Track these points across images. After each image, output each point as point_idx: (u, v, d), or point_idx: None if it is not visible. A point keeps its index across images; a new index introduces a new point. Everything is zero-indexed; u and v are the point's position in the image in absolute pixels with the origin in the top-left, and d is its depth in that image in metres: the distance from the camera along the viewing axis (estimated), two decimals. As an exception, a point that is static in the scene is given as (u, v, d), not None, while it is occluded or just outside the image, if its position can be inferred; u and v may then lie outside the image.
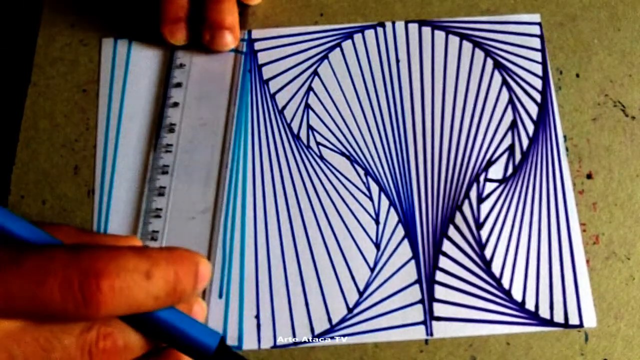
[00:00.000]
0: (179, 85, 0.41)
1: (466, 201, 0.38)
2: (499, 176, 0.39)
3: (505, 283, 0.37)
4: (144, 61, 0.42)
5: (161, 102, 0.41)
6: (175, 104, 0.41)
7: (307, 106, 0.41)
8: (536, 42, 0.42)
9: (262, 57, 0.42)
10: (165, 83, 0.41)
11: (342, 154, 0.40)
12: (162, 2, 0.41)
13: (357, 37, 0.43)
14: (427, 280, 0.37)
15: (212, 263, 0.37)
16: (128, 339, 0.27)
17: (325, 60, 0.42)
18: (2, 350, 0.24)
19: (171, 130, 0.40)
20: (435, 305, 0.36)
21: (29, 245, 0.25)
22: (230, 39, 0.41)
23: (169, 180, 0.39)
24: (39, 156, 0.40)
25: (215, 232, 0.38)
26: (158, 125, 0.40)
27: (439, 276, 0.37)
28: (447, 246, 0.37)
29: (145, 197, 0.39)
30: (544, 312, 0.36)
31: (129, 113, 0.41)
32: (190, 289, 0.28)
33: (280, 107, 0.41)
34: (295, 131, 0.40)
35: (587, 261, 0.37)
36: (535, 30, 0.43)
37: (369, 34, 0.43)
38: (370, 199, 0.39)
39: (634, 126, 0.40)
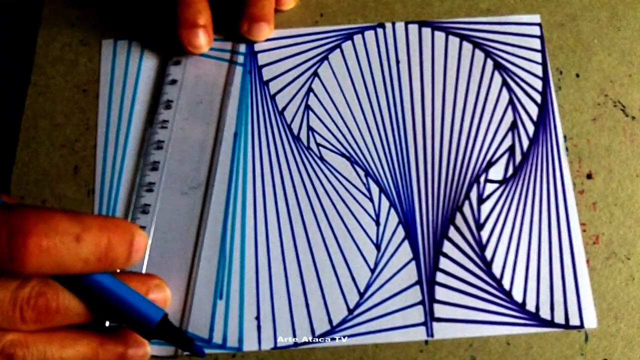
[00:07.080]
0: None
1: (466, 202, 0.38)
2: (499, 177, 0.39)
3: (506, 284, 0.37)
4: (143, 61, 0.42)
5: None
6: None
7: (307, 107, 0.41)
8: (536, 43, 0.42)
9: (262, 59, 0.42)
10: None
11: (343, 155, 0.40)
12: (178, 7, 0.41)
13: (357, 38, 0.43)
14: (428, 281, 0.37)
15: (202, 244, 0.37)
16: (63, 302, 0.28)
17: (325, 62, 0.42)
18: None
19: (168, 107, 0.41)
20: (436, 307, 0.36)
21: None
22: (267, 31, 0.42)
23: (163, 156, 0.39)
24: (39, 156, 0.40)
25: (206, 208, 0.38)
26: (156, 102, 0.41)
27: (440, 277, 0.37)
28: (447, 247, 0.37)
29: (139, 172, 0.39)
30: (545, 313, 0.36)
31: (129, 113, 0.41)
32: (123, 257, 0.29)
33: (280, 108, 0.41)
34: (296, 132, 0.40)
35: (587, 261, 0.37)
36: (535, 30, 0.43)
37: (369, 35, 0.43)
38: (371, 199, 0.39)
39: (634, 126, 0.40)
